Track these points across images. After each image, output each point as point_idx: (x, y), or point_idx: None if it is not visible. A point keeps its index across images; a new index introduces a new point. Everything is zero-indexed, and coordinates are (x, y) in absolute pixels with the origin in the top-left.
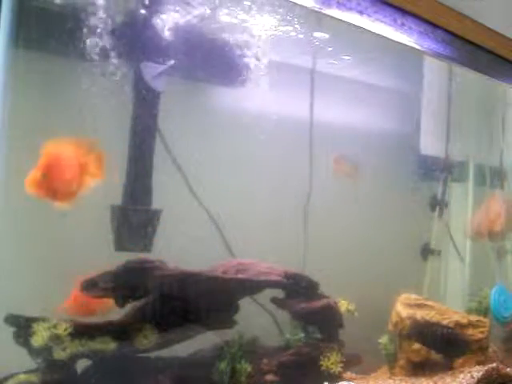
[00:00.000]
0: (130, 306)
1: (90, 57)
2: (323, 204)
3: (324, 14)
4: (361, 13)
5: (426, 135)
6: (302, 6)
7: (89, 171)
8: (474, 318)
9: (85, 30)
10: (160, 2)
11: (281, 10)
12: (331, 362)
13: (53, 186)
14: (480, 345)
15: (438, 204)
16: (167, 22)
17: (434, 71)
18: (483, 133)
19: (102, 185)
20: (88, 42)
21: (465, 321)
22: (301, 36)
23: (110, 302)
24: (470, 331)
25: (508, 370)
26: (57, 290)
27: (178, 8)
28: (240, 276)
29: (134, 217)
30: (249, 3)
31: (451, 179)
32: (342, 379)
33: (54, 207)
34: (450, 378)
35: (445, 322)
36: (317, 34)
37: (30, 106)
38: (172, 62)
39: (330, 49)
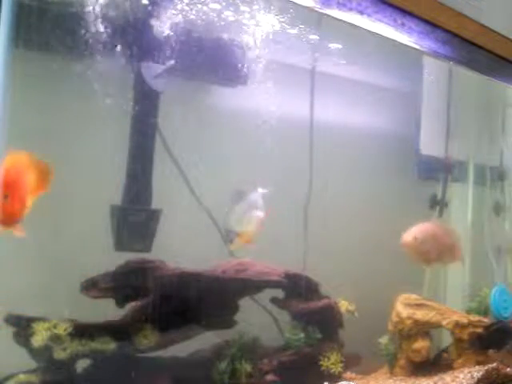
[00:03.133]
0: (129, 306)
1: (89, 57)
2: (323, 204)
3: (324, 14)
4: (361, 13)
5: (425, 135)
6: (302, 7)
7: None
8: (474, 318)
9: (85, 30)
10: (160, 1)
11: (281, 10)
12: (331, 362)
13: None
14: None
15: (438, 204)
16: (167, 21)
17: (434, 71)
18: (483, 133)
19: None
20: (88, 41)
21: (465, 321)
22: (301, 36)
23: None
24: (470, 331)
25: (508, 369)
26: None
27: (178, 8)
28: (240, 276)
29: (134, 217)
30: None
31: (451, 179)
32: (342, 379)
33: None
34: (449, 377)
35: (444, 323)
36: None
37: (29, 106)
38: (172, 62)
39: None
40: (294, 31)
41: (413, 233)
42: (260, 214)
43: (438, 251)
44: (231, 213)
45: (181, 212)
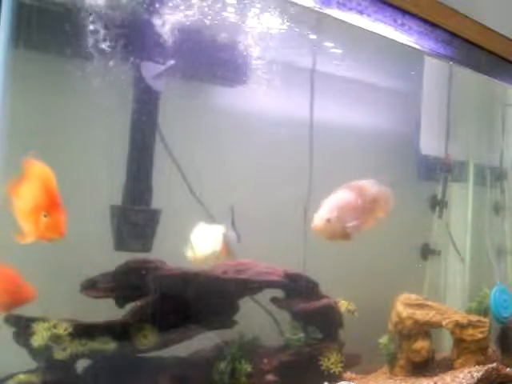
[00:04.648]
0: (130, 306)
1: (89, 57)
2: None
3: (324, 14)
4: (361, 13)
5: (425, 135)
6: (302, 7)
7: None
8: (473, 318)
9: (85, 30)
10: (160, 1)
11: (281, 10)
12: (331, 362)
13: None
14: (480, 345)
15: (438, 204)
16: (167, 21)
17: (434, 71)
18: (483, 133)
19: None
20: (88, 41)
21: (465, 321)
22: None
23: None
24: (469, 331)
25: (508, 370)
26: None
27: (178, 7)
28: (240, 276)
29: (134, 217)
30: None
31: (451, 179)
32: (342, 379)
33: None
34: (449, 377)
35: (444, 323)
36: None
37: (29, 106)
38: (172, 61)
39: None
40: (294, 31)
41: (323, 215)
42: (215, 247)
43: (360, 217)
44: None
45: (181, 212)
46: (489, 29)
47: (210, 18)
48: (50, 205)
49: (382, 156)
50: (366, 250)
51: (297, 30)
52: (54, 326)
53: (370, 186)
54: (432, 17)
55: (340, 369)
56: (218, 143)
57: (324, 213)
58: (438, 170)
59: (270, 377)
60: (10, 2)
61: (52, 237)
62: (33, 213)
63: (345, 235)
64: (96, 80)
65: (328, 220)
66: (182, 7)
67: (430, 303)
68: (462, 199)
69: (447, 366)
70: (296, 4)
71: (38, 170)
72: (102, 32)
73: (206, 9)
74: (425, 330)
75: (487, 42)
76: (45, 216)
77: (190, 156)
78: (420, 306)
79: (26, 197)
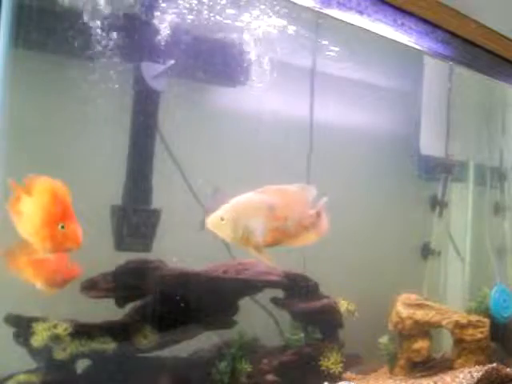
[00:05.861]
0: (130, 306)
1: (89, 56)
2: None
3: (324, 14)
4: (361, 13)
5: (425, 135)
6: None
7: None
8: (473, 318)
9: (84, 30)
10: (160, 2)
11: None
12: (331, 361)
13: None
14: (480, 345)
15: (438, 204)
16: (167, 21)
17: (434, 71)
18: (483, 133)
19: None
20: (88, 41)
21: (465, 321)
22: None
23: None
24: (469, 331)
25: (508, 370)
26: None
27: (178, 8)
28: (240, 276)
29: (134, 217)
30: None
31: (451, 179)
32: (342, 379)
33: None
34: (449, 377)
35: (444, 323)
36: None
37: (29, 105)
38: (172, 61)
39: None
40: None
41: (219, 212)
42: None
43: (276, 230)
44: None
45: (180, 212)
46: (489, 29)
47: (212, 18)
48: (65, 216)
49: (382, 156)
50: (366, 250)
51: (297, 30)
52: (54, 326)
53: (298, 193)
54: (432, 17)
55: (340, 369)
56: (217, 143)
57: (221, 210)
58: (438, 171)
59: (269, 377)
60: (10, 2)
61: (70, 247)
62: (48, 226)
63: (250, 243)
64: (96, 79)
65: (221, 219)
66: (185, 6)
67: (429, 303)
68: (462, 199)
69: (447, 366)
70: (296, 4)
71: (45, 185)
72: (102, 32)
73: (208, 11)
74: (425, 330)
75: (487, 42)
76: (62, 227)
77: (190, 156)
78: (420, 305)
79: (36, 212)
